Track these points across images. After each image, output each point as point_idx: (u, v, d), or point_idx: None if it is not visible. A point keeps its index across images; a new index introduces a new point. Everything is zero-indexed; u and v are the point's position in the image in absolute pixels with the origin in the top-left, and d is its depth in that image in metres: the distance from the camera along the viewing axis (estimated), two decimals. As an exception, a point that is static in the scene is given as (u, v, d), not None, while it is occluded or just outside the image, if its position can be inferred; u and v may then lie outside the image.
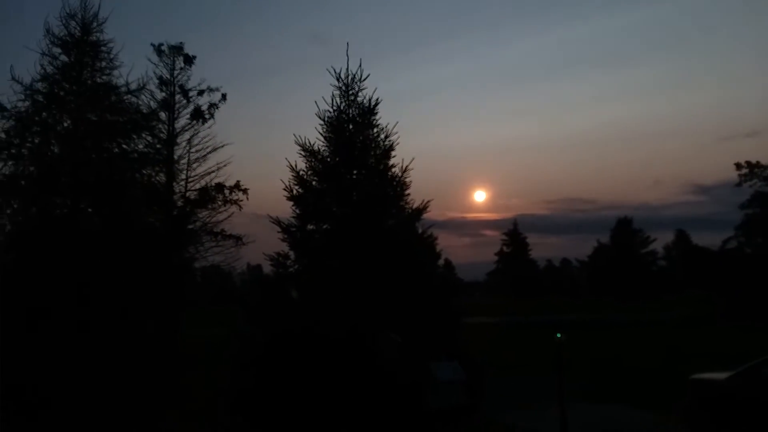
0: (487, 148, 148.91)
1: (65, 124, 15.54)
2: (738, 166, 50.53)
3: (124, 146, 16.04)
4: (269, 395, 7.25)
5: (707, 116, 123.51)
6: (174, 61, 23.38)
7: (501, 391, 13.33)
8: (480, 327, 32.55)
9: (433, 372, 6.45)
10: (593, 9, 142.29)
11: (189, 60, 23.38)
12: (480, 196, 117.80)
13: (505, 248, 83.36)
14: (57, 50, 15.30)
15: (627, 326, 37.97)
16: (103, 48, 15.77)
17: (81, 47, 15.45)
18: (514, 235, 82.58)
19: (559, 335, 8.64)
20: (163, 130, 22.50)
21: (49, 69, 15.12)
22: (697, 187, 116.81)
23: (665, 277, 72.62)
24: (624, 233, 72.57)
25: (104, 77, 15.80)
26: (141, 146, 17.47)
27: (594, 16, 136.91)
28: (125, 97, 16.41)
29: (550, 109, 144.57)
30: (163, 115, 22.72)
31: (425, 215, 8.84)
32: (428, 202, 8.76)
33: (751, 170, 49.83)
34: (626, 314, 51.81)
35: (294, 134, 8.72)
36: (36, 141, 15.15)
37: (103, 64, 15.81)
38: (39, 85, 15.05)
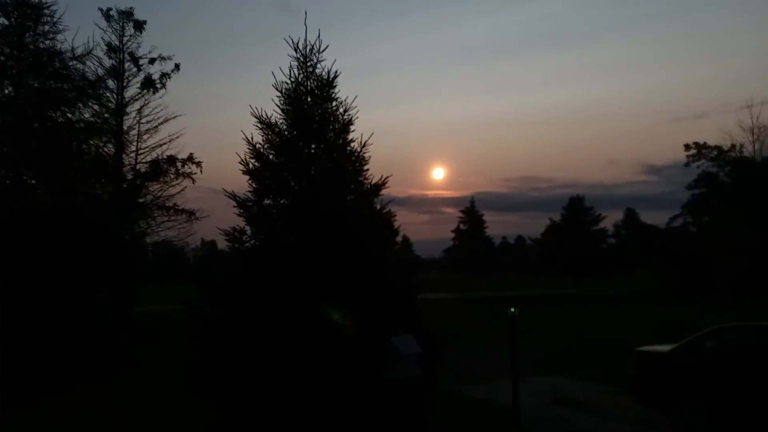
0: (447, 126, 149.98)
1: (6, 91, 14.77)
2: (687, 146, 52.48)
3: (70, 115, 15.40)
4: (236, 373, 7.14)
5: (660, 98, 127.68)
6: (123, 27, 22.42)
7: (458, 365, 13.61)
8: (436, 303, 33.05)
9: (390, 345, 6.46)
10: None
11: (139, 26, 22.46)
12: (439, 173, 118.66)
13: (461, 226, 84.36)
14: (-5, 12, 14.44)
15: (578, 301, 39.20)
16: (46, 11, 15.00)
17: (21, 9, 14.64)
18: (471, 212, 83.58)
19: (512, 310, 8.77)
20: (112, 100, 21.66)
21: (-13, 32, 14.29)
22: (650, 167, 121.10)
23: (615, 255, 75.04)
24: (575, 211, 74.43)
25: (47, 42, 15.07)
26: (88, 115, 16.81)
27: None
28: (70, 63, 15.71)
29: (508, 87, 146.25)
30: (111, 83, 21.87)
31: (384, 191, 8.75)
32: (387, 178, 8.67)
33: (699, 151, 51.80)
34: (576, 290, 53.42)
35: (250, 106, 8.45)
36: (-27, 108, 14.35)
37: (46, 27, 15.06)
38: (-25, 49, 14.21)
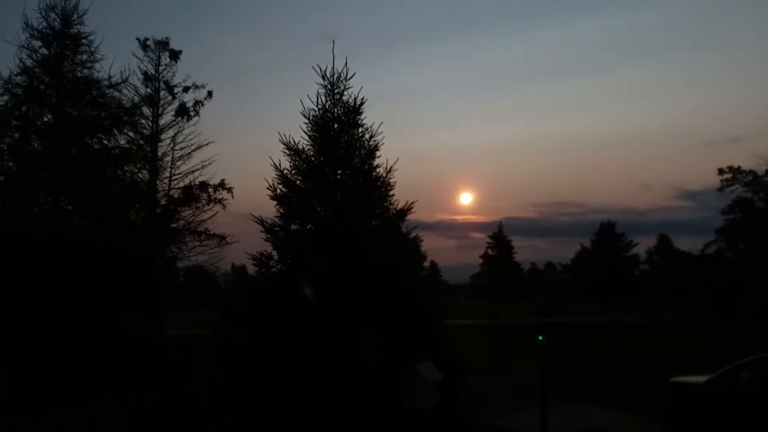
0: (477, 151, 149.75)
1: (45, 119, 15.30)
2: (721, 171, 51.32)
3: (106, 142, 15.88)
4: (255, 394, 7.17)
5: (693, 121, 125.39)
6: (159, 56, 23.19)
7: (483, 393, 13.38)
8: (463, 329, 32.64)
9: (414, 372, 6.41)
10: (580, 12, 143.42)
11: (175, 55, 23.19)
12: (468, 198, 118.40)
13: (489, 251, 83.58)
14: (36, 43, 15.06)
15: (608, 329, 38.29)
16: (84, 40, 15.58)
17: (61, 40, 15.24)
18: (499, 237, 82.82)
19: (540, 338, 8.64)
20: (147, 127, 22.30)
21: (29, 62, 14.89)
22: (684, 192, 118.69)
23: (647, 281, 73.34)
24: (606, 237, 73.18)
25: (85, 71, 15.63)
26: (123, 142, 17.32)
27: (583, 19, 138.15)
28: (107, 91, 16.23)
29: (537, 111, 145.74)
30: (146, 110, 22.53)
31: (410, 216, 8.80)
32: (412, 203, 8.73)
33: (734, 175, 50.59)
34: (606, 317, 52.23)
35: (279, 133, 8.64)
36: (15, 135, 14.90)
37: (84, 57, 15.63)
38: (18, 79, 14.82)
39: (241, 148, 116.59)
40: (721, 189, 51.42)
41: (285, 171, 8.55)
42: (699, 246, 57.55)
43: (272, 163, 8.57)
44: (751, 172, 49.45)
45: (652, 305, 72.19)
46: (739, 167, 50.41)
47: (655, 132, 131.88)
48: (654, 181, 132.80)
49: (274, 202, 8.46)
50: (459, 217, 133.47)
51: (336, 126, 8.77)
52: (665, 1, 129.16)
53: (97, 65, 15.87)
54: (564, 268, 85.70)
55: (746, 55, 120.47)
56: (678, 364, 15.68)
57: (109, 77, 16.33)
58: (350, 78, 8.93)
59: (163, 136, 22.83)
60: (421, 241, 9.08)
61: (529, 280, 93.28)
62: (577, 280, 76.42)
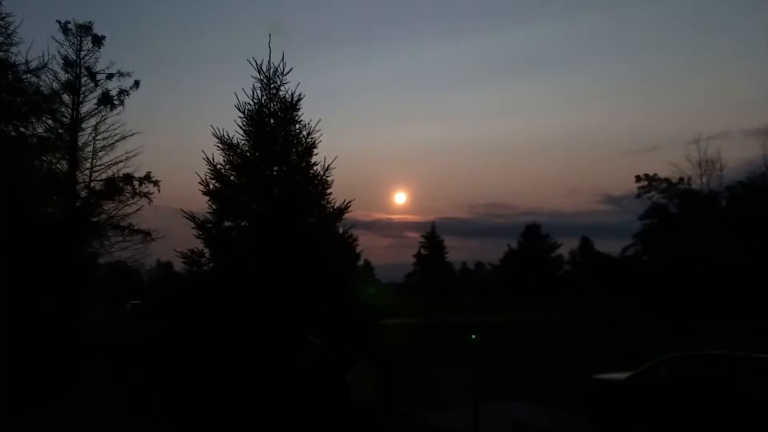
0: (414, 152, 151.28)
1: (-47, 102, 14.18)
2: (638, 178, 54.31)
3: (22, 129, 14.90)
4: (188, 404, 6.88)
5: (615, 130, 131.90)
6: (81, 41, 22.00)
7: (417, 391, 13.48)
8: (396, 328, 32.85)
9: (357, 373, 6.35)
10: (509, 22, 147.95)
11: (98, 40, 22.05)
12: (402, 198, 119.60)
13: (422, 250, 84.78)
14: (-55, 21, 13.91)
15: (534, 327, 39.62)
16: (0, 22, 14.52)
17: (-26, 19, 14.15)
18: (432, 237, 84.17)
19: (473, 336, 8.78)
20: (67, 115, 21.13)
21: (-64, 41, 13.74)
22: (608, 197, 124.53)
23: (570, 281, 76.53)
24: (532, 239, 75.90)
25: (0, 54, 14.57)
26: (41, 130, 16.31)
27: (510, 29, 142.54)
28: (24, 77, 15.24)
29: (471, 115, 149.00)
30: (67, 98, 21.35)
31: (348, 215, 8.73)
32: (350, 202, 8.66)
33: (650, 182, 53.66)
34: (531, 315, 54.11)
35: (212, 126, 8.33)
36: None
37: (1, 39, 14.57)
38: (-77, 58, 13.64)
39: (171, 140, 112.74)
40: (639, 195, 54.46)
41: (218, 166, 8.28)
42: (619, 249, 60.61)
43: (205, 157, 8.28)
44: (666, 179, 52.61)
45: (572, 304, 75.40)
46: (655, 175, 53.55)
47: (583, 139, 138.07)
48: (581, 185, 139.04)
49: (207, 198, 8.18)
50: (395, 217, 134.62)
51: (272, 121, 8.58)
52: (591, 13, 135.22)
53: (14, 48, 14.83)
54: (493, 268, 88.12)
55: (664, 67, 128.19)
56: (600, 361, 16.39)
57: (27, 62, 15.32)
58: (287, 73, 8.76)
59: (84, 125, 21.70)
60: (356, 240, 9.02)
61: (460, 279, 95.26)
62: (504, 280, 78.79)
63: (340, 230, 8.90)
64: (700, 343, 20.97)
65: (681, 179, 51.14)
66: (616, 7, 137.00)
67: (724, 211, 48.40)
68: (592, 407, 10.26)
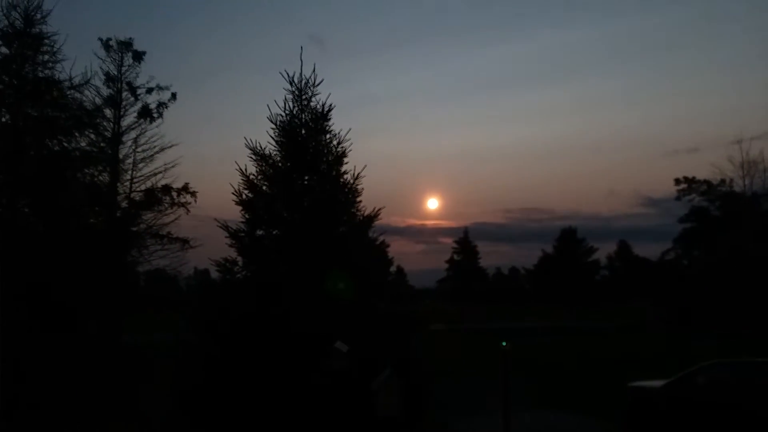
0: (448, 158, 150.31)
1: (4, 119, 14.84)
2: (677, 181, 52.99)
3: (66, 144, 15.45)
4: (218, 402, 7.08)
5: (654, 132, 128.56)
6: (122, 57, 22.71)
7: (448, 398, 13.48)
8: (428, 334, 32.80)
9: (384, 382, 6.43)
10: (543, 26, 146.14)
11: (138, 56, 22.76)
12: (436, 203, 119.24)
13: (455, 256, 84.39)
14: (-4, 42, 14.61)
15: (570, 333, 39.01)
16: (46, 41, 15.14)
17: (23, 39, 14.79)
18: (465, 242, 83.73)
19: (504, 343, 8.76)
20: (108, 128, 21.79)
21: (-12, 62, 14.43)
22: (647, 200, 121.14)
23: (607, 286, 75.05)
24: (567, 243, 74.74)
25: (46, 71, 15.18)
26: (84, 144, 16.87)
27: (544, 32, 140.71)
28: (68, 93, 15.81)
29: (508, 119, 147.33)
30: (108, 112, 22.03)
31: (381, 222, 8.86)
32: (380, 209, 8.78)
33: (689, 185, 52.28)
34: (568, 322, 53.21)
35: (245, 137, 8.59)
36: (-29, 136, 14.42)
37: (46, 57, 15.19)
38: (-23, 79, 14.34)
39: (206, 151, 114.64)
40: (678, 198, 53.12)
41: (251, 176, 8.50)
42: (658, 252, 59.20)
43: (238, 167, 8.52)
44: (706, 181, 51.19)
45: (610, 310, 73.87)
46: (694, 177, 52.11)
47: (621, 141, 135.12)
48: (620, 188, 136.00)
49: (240, 207, 8.40)
50: (429, 222, 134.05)
51: (303, 132, 8.77)
52: (628, 12, 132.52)
53: (58, 66, 15.42)
54: (527, 273, 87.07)
55: (705, 68, 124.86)
56: (637, 369, 16.09)
57: (71, 78, 15.90)
58: (318, 84, 8.96)
59: (124, 138, 22.35)
60: (388, 246, 9.13)
61: (493, 284, 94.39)
62: (538, 285, 77.73)
63: (372, 237, 9.01)
64: (741, 351, 20.34)
65: (722, 181, 49.66)
66: (656, 6, 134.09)
67: (767, 214, 46.82)
68: (628, 415, 10.13)
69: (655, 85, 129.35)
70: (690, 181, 52.31)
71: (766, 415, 7.73)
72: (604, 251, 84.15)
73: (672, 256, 55.75)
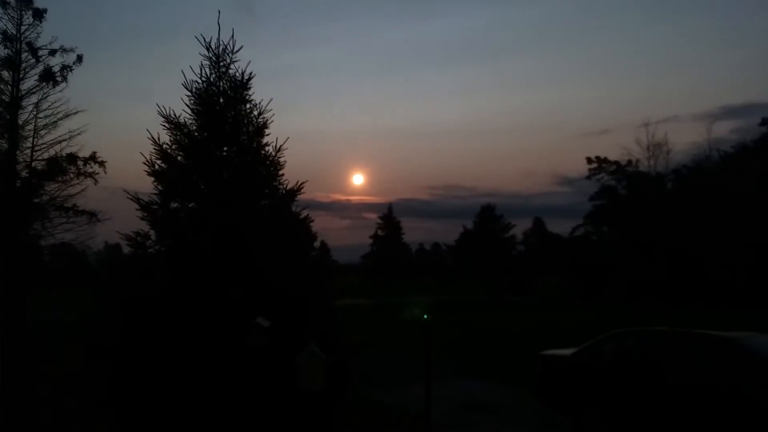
0: (374, 133, 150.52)
1: None
2: (589, 160, 55.78)
3: (-45, 106, 14.06)
4: (133, 387, 6.70)
5: (569, 113, 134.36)
6: (21, 15, 20.88)
7: (371, 371, 13.61)
8: (352, 309, 33.00)
9: (307, 356, 6.32)
10: (466, 4, 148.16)
11: (39, 14, 20.97)
12: (360, 179, 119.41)
13: (379, 231, 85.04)
14: None
15: (487, 307, 40.46)
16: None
17: None
18: (389, 218, 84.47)
19: (426, 316, 8.87)
20: (6, 92, 20.12)
21: None
22: (563, 179, 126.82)
23: (522, 261, 78.23)
24: (486, 219, 77.15)
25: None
26: (-22, 108, 15.44)
27: (467, 11, 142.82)
28: (-42, 51, 14.36)
29: (431, 97, 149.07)
30: (6, 74, 20.33)
31: (306, 196, 8.59)
32: (303, 183, 8.53)
33: (600, 165, 55.21)
34: (485, 295, 55.14)
35: (157, 104, 8.05)
36: None
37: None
38: None
39: (116, 119, 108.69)
40: (589, 177, 55.96)
41: (165, 146, 8.01)
42: (570, 229, 62.28)
43: (150, 136, 7.99)
44: (615, 162, 54.17)
45: (527, 283, 77.14)
46: (606, 158, 55.07)
47: (539, 121, 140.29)
48: (538, 167, 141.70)
49: (152, 178, 7.91)
50: (354, 198, 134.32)
51: (222, 100, 8.34)
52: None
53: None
54: (449, 249, 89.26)
55: (616, 53, 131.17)
56: (550, 339, 16.87)
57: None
58: (237, 51, 8.51)
59: (24, 103, 20.66)
60: (312, 221, 8.91)
61: (416, 260, 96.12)
62: (459, 260, 79.93)
63: (294, 212, 8.78)
64: (645, 322, 21.81)
65: (630, 162, 52.79)
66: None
67: (669, 193, 50.22)
68: (539, 383, 10.56)
69: (570, 68, 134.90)
70: (600, 161, 55.23)
71: (667, 381, 8.25)
72: (520, 228, 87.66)
73: (581, 232, 58.85)
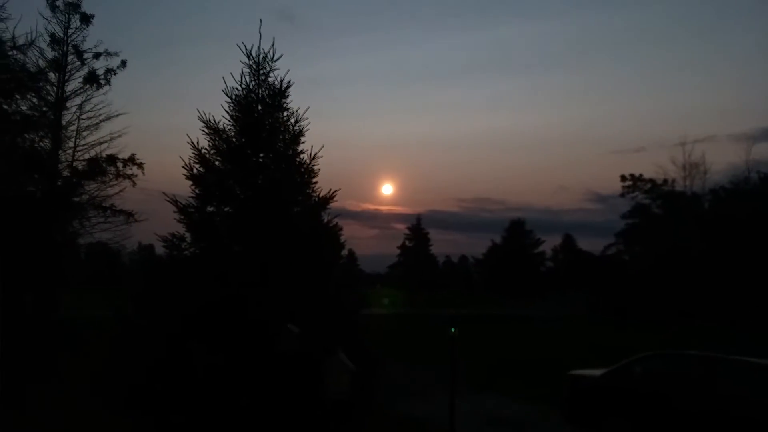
0: (407, 144, 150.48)
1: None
2: (623, 177, 54.91)
3: (5, 107, 14.61)
4: (166, 390, 6.82)
5: (603, 130, 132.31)
6: (69, 19, 21.54)
7: (397, 382, 13.59)
8: (378, 318, 32.99)
9: (333, 364, 6.36)
10: (505, 17, 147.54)
11: (86, 18, 21.63)
12: (391, 189, 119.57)
13: (407, 242, 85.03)
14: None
15: (516, 321, 39.97)
16: (-13, -3, 14.21)
17: (-41, -8, 13.84)
18: (417, 229, 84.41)
19: (453, 330, 8.84)
20: (52, 93, 20.70)
21: None
22: (595, 195, 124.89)
23: (551, 278, 77.22)
24: (516, 234, 76.49)
25: (-13, 29, 14.28)
26: (25, 108, 16.01)
27: (505, 24, 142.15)
28: (10, 53, 14.94)
29: (465, 109, 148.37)
30: (52, 76, 20.90)
31: (336, 205, 8.69)
32: (335, 191, 8.62)
33: (634, 183, 54.29)
34: (513, 310, 54.50)
35: (198, 110, 8.27)
36: None
37: (-13, 15, 14.26)
38: None
39: (156, 123, 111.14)
40: (622, 195, 55.10)
41: (203, 150, 8.20)
42: (601, 247, 61.33)
43: (189, 140, 8.20)
44: (650, 180, 53.22)
45: (552, 301, 76.07)
46: (640, 175, 54.15)
47: (573, 137, 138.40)
48: (570, 183, 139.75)
49: (190, 182, 8.10)
50: (383, 207, 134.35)
51: (260, 108, 8.51)
52: (584, 11, 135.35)
53: (1, 25, 14.52)
54: (476, 262, 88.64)
55: (654, 70, 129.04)
56: (580, 358, 16.60)
57: (14, 38, 14.98)
58: (277, 59, 8.68)
59: (69, 104, 21.24)
60: (341, 230, 8.99)
61: (443, 272, 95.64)
62: (486, 274, 79.27)
63: (325, 220, 8.87)
64: (676, 343, 21.27)
65: (665, 181, 51.80)
66: (609, 7, 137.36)
67: (705, 213, 49.07)
68: (567, 403, 10.41)
69: (605, 84, 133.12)
70: (635, 179, 54.32)
71: (697, 406, 8.06)
72: (549, 243, 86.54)
73: (613, 251, 57.88)
